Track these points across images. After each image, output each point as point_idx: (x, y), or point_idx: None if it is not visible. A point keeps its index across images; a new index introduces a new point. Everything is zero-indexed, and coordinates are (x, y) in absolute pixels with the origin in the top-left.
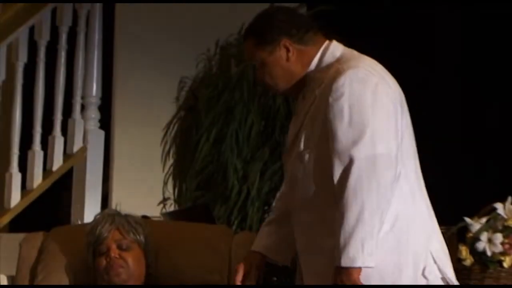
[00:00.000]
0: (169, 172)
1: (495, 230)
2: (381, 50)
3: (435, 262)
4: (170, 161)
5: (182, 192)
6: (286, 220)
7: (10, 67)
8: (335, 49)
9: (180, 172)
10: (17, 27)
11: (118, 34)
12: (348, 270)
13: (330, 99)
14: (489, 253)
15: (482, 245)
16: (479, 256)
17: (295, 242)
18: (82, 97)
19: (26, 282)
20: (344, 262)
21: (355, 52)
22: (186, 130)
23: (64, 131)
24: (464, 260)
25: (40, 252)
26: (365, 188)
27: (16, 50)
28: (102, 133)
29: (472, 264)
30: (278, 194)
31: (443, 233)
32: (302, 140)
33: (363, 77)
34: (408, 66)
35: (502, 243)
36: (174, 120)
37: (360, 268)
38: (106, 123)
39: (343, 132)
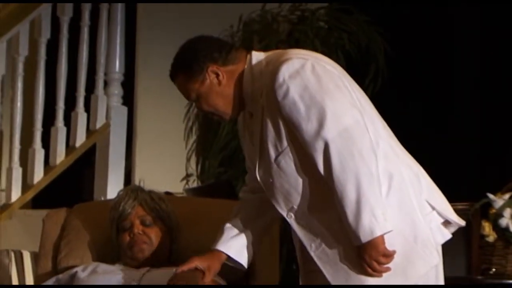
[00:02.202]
0: (192, 149)
1: None
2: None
3: (433, 208)
4: (193, 138)
5: (205, 168)
6: (252, 223)
7: (33, 43)
8: (258, 56)
9: (203, 149)
10: (40, 3)
11: (141, 10)
12: (371, 243)
13: (279, 99)
14: None
15: (505, 221)
16: (502, 232)
17: (302, 248)
18: (105, 73)
19: (49, 258)
20: (364, 238)
21: (278, 50)
22: None
23: (87, 108)
24: (487, 236)
25: (63, 228)
26: (351, 161)
27: (39, 27)
28: (125, 109)
29: (495, 240)
30: (243, 196)
31: (466, 210)
32: (271, 149)
33: (298, 65)
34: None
35: None
36: None
37: (382, 236)
38: (129, 99)
39: (305, 121)
